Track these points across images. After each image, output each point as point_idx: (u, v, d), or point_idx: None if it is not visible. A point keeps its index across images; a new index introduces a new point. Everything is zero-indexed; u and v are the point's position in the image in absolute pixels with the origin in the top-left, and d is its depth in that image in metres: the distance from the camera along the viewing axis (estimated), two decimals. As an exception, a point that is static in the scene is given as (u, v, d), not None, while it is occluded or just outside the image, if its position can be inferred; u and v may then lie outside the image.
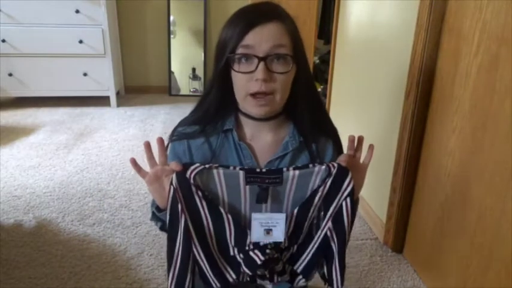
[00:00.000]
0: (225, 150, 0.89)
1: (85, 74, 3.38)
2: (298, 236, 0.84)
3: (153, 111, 3.54)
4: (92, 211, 1.99)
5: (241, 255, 0.82)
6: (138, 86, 4.02)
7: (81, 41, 3.27)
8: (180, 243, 0.81)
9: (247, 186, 0.79)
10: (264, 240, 0.81)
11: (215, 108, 0.87)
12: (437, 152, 1.50)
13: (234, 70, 0.80)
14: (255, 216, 0.81)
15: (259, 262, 0.80)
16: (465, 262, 1.34)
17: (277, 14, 0.80)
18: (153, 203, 0.90)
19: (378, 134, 1.90)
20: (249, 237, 0.81)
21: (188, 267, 0.82)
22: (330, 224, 0.82)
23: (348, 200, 0.80)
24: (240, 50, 0.79)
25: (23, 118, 3.24)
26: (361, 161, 0.88)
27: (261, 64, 0.77)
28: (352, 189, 0.79)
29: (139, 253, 1.71)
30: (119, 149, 2.73)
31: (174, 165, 0.77)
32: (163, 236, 1.81)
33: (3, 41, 3.19)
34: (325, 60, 3.64)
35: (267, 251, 0.80)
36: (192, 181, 0.78)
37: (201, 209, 0.80)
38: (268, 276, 0.83)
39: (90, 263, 1.63)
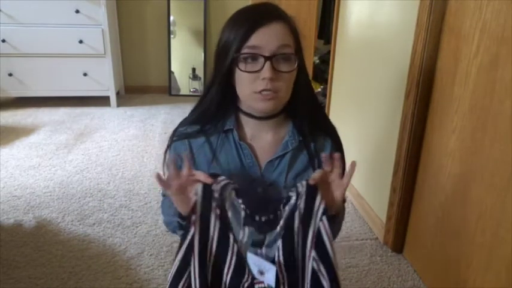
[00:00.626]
0: (226, 150, 0.89)
1: (85, 74, 3.38)
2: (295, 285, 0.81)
3: (153, 111, 3.54)
4: (92, 211, 1.99)
5: None
6: (138, 86, 4.02)
7: (81, 41, 3.27)
8: (183, 252, 0.80)
9: (247, 228, 0.79)
10: (259, 278, 0.81)
11: (215, 108, 0.88)
12: (437, 152, 1.50)
13: (241, 70, 0.81)
14: (250, 255, 0.80)
15: None
16: (465, 262, 1.34)
17: (278, 15, 0.82)
18: (175, 212, 0.85)
19: (378, 134, 1.90)
20: (246, 276, 0.80)
21: (183, 276, 0.80)
22: (313, 253, 0.78)
23: (324, 219, 0.77)
24: (245, 51, 0.80)
25: (23, 118, 3.24)
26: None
27: (267, 64, 0.78)
28: (325, 209, 0.77)
29: (139, 253, 1.71)
30: (118, 149, 2.73)
31: (203, 177, 0.77)
32: (163, 236, 1.81)
33: (3, 41, 3.19)
34: (325, 60, 3.64)
35: None
36: (216, 194, 0.77)
37: (211, 229, 0.78)
38: None
39: (90, 263, 1.63)
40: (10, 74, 3.29)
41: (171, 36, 3.86)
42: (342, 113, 2.36)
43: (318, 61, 3.85)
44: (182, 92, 4.01)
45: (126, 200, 2.10)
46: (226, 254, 0.79)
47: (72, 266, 1.61)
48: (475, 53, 1.28)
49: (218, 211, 0.77)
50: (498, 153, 1.19)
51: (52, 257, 1.66)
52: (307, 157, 0.90)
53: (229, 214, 0.79)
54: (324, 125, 0.94)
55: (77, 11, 3.20)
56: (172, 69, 3.96)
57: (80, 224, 1.89)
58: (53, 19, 3.21)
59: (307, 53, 3.19)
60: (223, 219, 0.78)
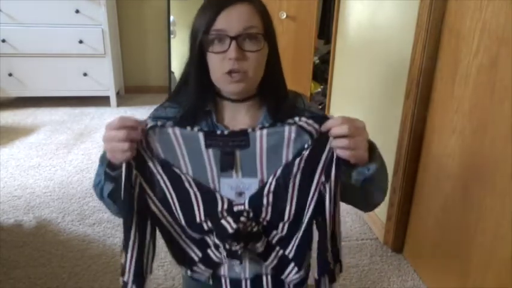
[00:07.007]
0: None
1: (85, 74, 3.38)
2: (281, 210, 0.77)
3: (153, 111, 3.53)
4: (92, 211, 1.99)
5: (211, 224, 0.78)
6: (138, 86, 4.02)
7: (81, 41, 3.27)
8: (135, 217, 0.77)
9: (210, 151, 0.74)
10: (238, 200, 0.77)
11: (194, 93, 0.88)
12: (437, 152, 1.50)
13: (208, 51, 0.82)
14: (224, 180, 0.77)
15: (230, 231, 0.76)
16: (465, 262, 1.34)
17: None
18: (102, 161, 0.84)
19: (378, 135, 1.90)
20: (219, 202, 0.77)
21: (145, 247, 0.81)
22: (322, 177, 0.74)
23: (333, 169, 0.72)
24: (212, 33, 0.81)
25: (23, 118, 3.24)
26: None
27: (233, 43, 0.79)
28: (338, 163, 0.74)
29: (139, 253, 1.70)
30: (119, 149, 2.73)
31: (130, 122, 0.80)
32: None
33: (3, 41, 3.19)
34: (325, 60, 3.63)
35: (242, 218, 0.75)
36: (144, 144, 0.75)
37: (162, 182, 0.76)
38: (239, 253, 0.78)
39: (90, 263, 1.63)
40: (10, 74, 3.29)
41: (171, 36, 3.86)
42: (341, 113, 2.35)
43: (318, 61, 3.84)
44: (182, 92, 4.01)
45: (126, 200, 2.10)
46: (188, 193, 0.77)
47: (72, 266, 1.61)
48: (475, 53, 1.28)
49: (156, 161, 0.76)
50: (498, 153, 1.19)
51: (52, 257, 1.66)
52: None
53: (179, 155, 0.76)
54: (291, 108, 0.93)
55: (77, 11, 3.19)
56: (172, 69, 3.96)
57: (80, 224, 1.89)
58: (53, 19, 3.21)
59: (307, 53, 3.18)
60: (164, 168, 0.76)
